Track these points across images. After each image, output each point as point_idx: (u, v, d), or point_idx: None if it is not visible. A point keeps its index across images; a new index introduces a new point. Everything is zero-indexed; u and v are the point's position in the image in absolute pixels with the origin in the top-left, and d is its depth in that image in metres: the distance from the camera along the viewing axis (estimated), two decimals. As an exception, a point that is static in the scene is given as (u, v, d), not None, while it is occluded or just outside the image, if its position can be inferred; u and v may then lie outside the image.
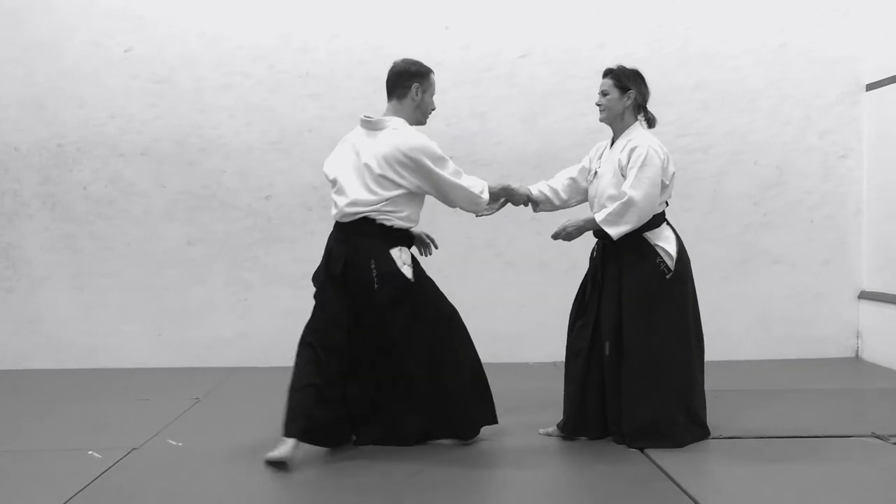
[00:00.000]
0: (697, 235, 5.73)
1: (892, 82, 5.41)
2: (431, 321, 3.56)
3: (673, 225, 3.71)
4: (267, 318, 5.70)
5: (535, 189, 3.88)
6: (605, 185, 3.64)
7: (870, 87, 5.65)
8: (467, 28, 5.69)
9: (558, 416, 3.75)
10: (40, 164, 5.67)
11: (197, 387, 4.93)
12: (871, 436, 3.67)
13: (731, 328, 5.74)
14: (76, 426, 4.03)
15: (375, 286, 3.42)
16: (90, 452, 3.51)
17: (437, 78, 5.65)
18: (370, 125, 3.58)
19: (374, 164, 3.43)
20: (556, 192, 3.89)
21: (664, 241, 3.59)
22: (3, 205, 5.66)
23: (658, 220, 3.62)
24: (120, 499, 3.01)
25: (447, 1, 5.70)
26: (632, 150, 3.54)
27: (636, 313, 3.54)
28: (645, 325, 3.52)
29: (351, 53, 5.67)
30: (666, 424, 3.50)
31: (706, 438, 3.61)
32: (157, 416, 4.15)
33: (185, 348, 5.72)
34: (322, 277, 3.57)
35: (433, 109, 3.72)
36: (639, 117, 3.68)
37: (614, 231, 3.50)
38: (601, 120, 3.72)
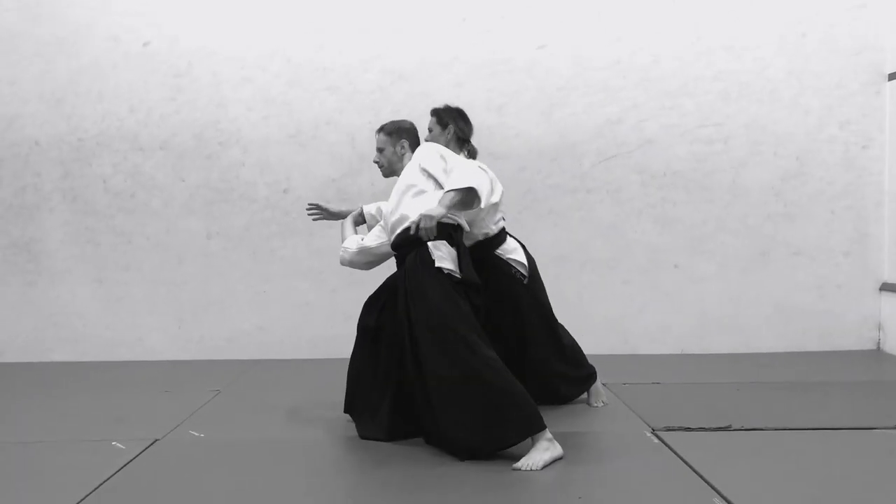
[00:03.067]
0: (717, 226, 5.72)
1: (915, 71, 5.36)
2: None
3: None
4: (285, 310, 5.73)
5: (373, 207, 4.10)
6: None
7: (892, 76, 5.59)
8: (484, 20, 5.68)
9: (578, 411, 3.75)
10: (60, 158, 5.71)
11: (217, 379, 4.96)
12: (895, 428, 3.64)
13: (751, 320, 5.71)
14: (99, 417, 4.06)
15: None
16: (114, 443, 3.55)
17: (454, 71, 5.72)
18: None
19: None
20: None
21: (513, 252, 3.98)
22: (24, 199, 5.72)
23: (502, 236, 3.98)
24: (145, 488, 3.03)
25: (464, -7, 5.69)
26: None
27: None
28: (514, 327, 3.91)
29: (368, 46, 5.67)
30: None
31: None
32: (179, 408, 4.19)
33: (204, 341, 5.76)
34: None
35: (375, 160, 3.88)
36: (462, 149, 3.98)
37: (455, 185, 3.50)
38: None
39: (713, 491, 2.89)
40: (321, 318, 5.67)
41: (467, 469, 3.18)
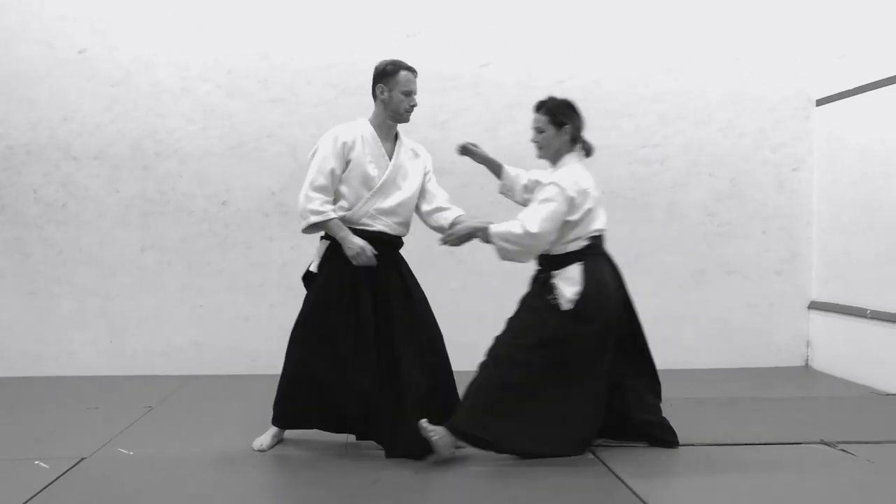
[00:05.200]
0: (655, 245, 5.83)
1: (840, 98, 5.57)
2: None
3: (593, 266, 3.55)
4: (223, 325, 5.62)
5: (512, 170, 3.93)
6: None
7: (820, 102, 5.80)
8: (430, 37, 5.70)
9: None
10: (-11, 166, 5.52)
11: (150, 395, 4.83)
12: (820, 443, 3.75)
13: (686, 337, 5.82)
14: (23, 435, 3.91)
15: None
16: (37, 462, 3.42)
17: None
18: None
19: None
20: (520, 187, 3.95)
21: (566, 282, 3.49)
22: (-51, 207, 5.50)
23: (567, 259, 3.51)
24: (67, 510, 2.93)
25: (410, 9, 5.70)
26: (547, 183, 3.50)
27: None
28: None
29: (312, 59, 5.64)
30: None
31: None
32: (108, 425, 4.06)
33: (137, 356, 5.61)
34: None
35: (413, 105, 3.68)
36: (575, 148, 3.61)
37: (500, 245, 3.49)
38: (538, 157, 3.66)
39: (646, 506, 2.92)
40: (259, 333, 5.57)
41: (402, 483, 3.15)
